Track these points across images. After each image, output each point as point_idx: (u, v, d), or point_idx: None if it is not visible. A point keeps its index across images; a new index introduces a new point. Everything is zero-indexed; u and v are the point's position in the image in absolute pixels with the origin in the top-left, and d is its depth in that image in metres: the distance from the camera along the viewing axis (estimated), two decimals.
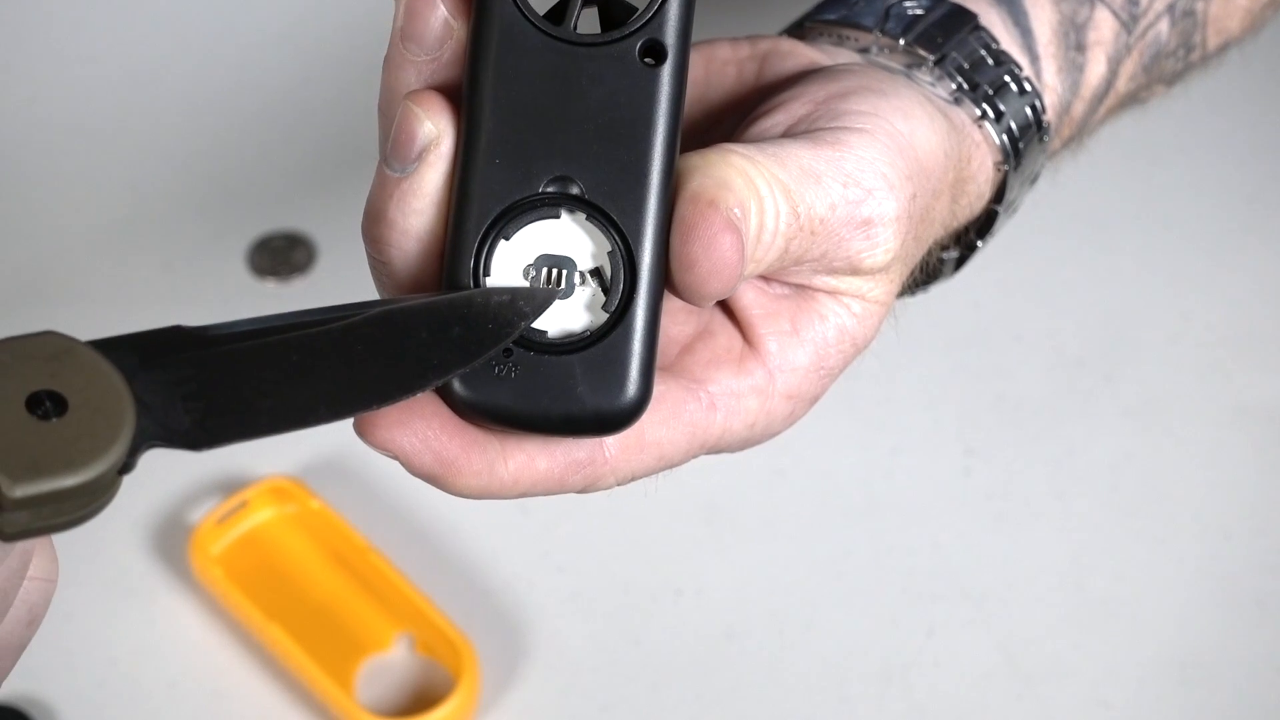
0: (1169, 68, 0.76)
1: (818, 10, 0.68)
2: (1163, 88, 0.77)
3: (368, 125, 1.17)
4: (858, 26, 0.67)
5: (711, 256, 0.55)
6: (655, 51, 0.56)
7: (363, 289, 1.06)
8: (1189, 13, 0.75)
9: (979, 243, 0.69)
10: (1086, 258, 1.06)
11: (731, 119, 0.64)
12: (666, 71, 0.55)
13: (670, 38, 0.55)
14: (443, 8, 0.56)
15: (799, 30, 0.68)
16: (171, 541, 0.94)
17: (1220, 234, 1.07)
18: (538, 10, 0.56)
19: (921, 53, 0.66)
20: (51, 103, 1.12)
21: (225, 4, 1.17)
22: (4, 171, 1.10)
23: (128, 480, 0.98)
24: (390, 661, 0.91)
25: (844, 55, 0.66)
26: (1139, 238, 1.07)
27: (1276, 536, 0.95)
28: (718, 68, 0.65)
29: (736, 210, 0.55)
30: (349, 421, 1.02)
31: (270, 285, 1.05)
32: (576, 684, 0.90)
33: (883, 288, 0.61)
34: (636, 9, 0.56)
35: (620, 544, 0.94)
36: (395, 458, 0.55)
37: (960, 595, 0.93)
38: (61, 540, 0.96)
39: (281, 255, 1.06)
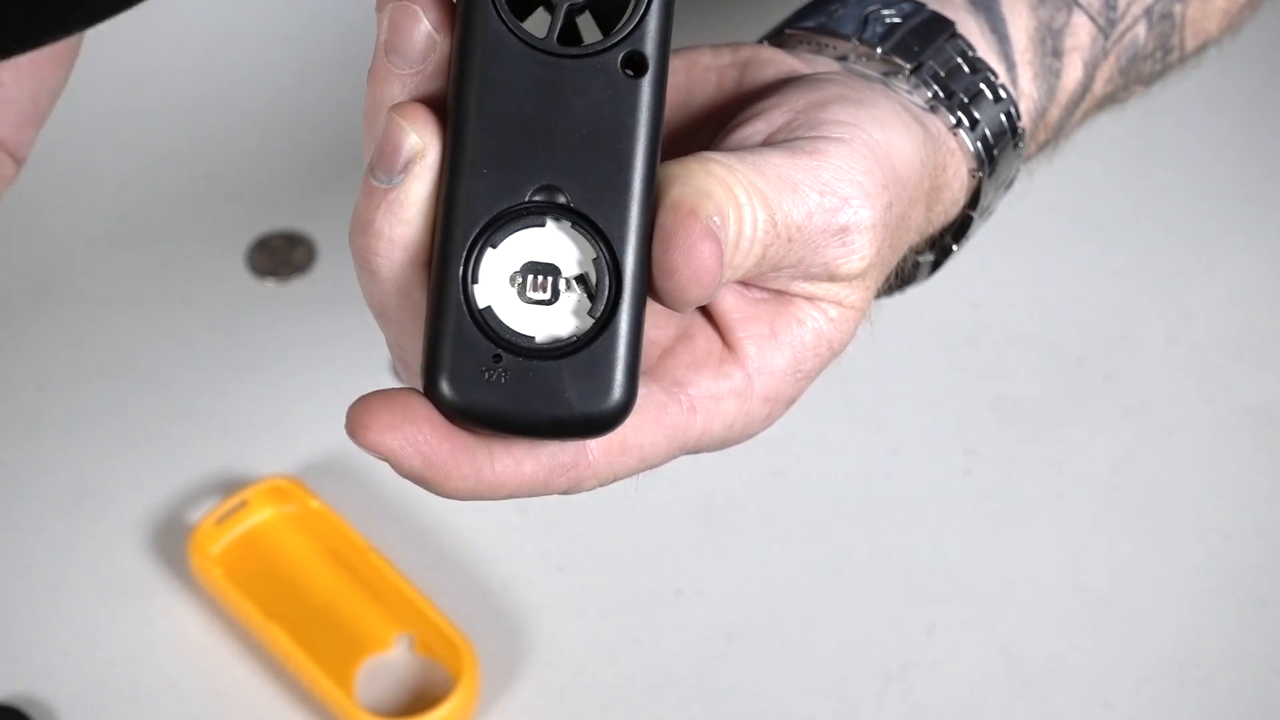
0: (1146, 69, 0.76)
1: (797, 17, 0.69)
2: (1141, 88, 0.77)
3: None
4: (836, 34, 0.68)
5: (691, 264, 0.56)
6: (636, 63, 0.57)
7: None
8: (1166, 15, 0.75)
9: (954, 247, 0.70)
10: (1086, 258, 1.06)
11: (712, 126, 0.65)
12: (647, 82, 0.57)
13: (650, 49, 0.57)
14: (426, 21, 0.57)
15: (779, 37, 0.69)
16: (171, 541, 0.94)
17: (1220, 234, 1.07)
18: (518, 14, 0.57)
19: (898, 61, 0.67)
20: None
21: (225, 4, 1.17)
22: None
23: (127, 480, 0.98)
24: (390, 661, 0.91)
25: (823, 63, 0.67)
26: (1138, 238, 1.07)
27: (1276, 536, 0.95)
28: (699, 74, 0.65)
29: (715, 218, 0.56)
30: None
31: (270, 285, 1.05)
32: (576, 684, 0.90)
33: (859, 293, 0.62)
34: (627, 6, 0.57)
35: (620, 544, 0.94)
36: (385, 459, 0.57)
37: (960, 595, 0.93)
38: (61, 540, 0.96)
39: (281, 255, 1.06)
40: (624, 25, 0.57)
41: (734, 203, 0.57)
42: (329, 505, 0.95)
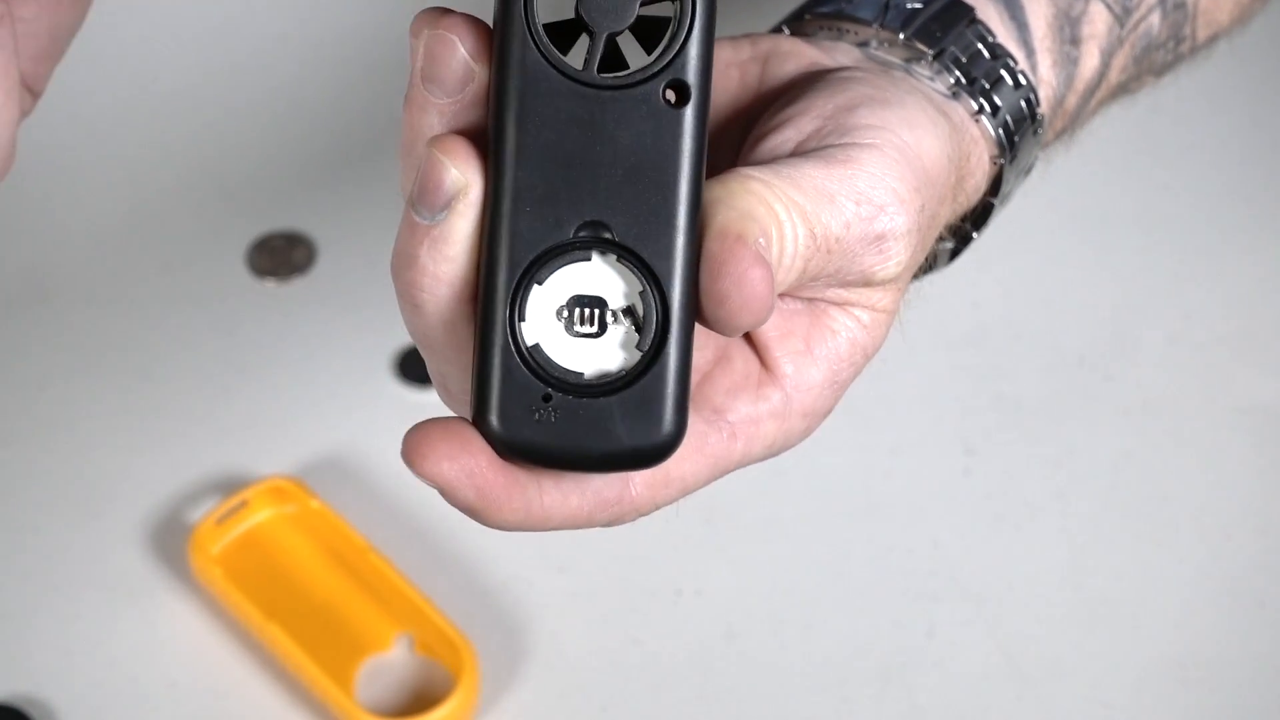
0: (1159, 59, 0.76)
1: (817, 2, 0.68)
2: (1152, 79, 0.77)
3: (368, 125, 1.18)
4: (857, 20, 0.67)
5: (743, 291, 0.56)
6: (680, 92, 0.56)
7: (362, 288, 1.06)
8: (1180, 5, 0.75)
9: (975, 234, 0.69)
10: (1086, 257, 1.06)
11: (738, 125, 0.65)
12: (690, 111, 0.56)
13: (693, 77, 0.56)
14: (463, 50, 0.56)
15: (798, 22, 0.69)
16: (171, 541, 0.94)
17: (1220, 234, 1.07)
18: (555, 20, 0.57)
19: (920, 47, 0.66)
20: (51, 102, 1.12)
21: (225, 4, 1.17)
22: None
23: (127, 480, 0.98)
24: (390, 661, 0.91)
25: (843, 50, 0.67)
26: (1139, 237, 1.07)
27: (1276, 536, 0.95)
28: (721, 72, 0.65)
29: (761, 240, 0.56)
30: (348, 421, 1.03)
31: (270, 285, 1.05)
32: (576, 684, 0.90)
33: (891, 296, 0.62)
34: (666, 30, 0.56)
35: (620, 544, 0.94)
36: (440, 488, 0.56)
37: (960, 595, 0.93)
38: (61, 541, 0.96)
39: (281, 255, 1.06)
40: (665, 52, 0.56)
41: (775, 221, 0.57)
42: (329, 505, 0.95)
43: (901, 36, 0.67)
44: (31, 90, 0.67)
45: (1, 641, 0.92)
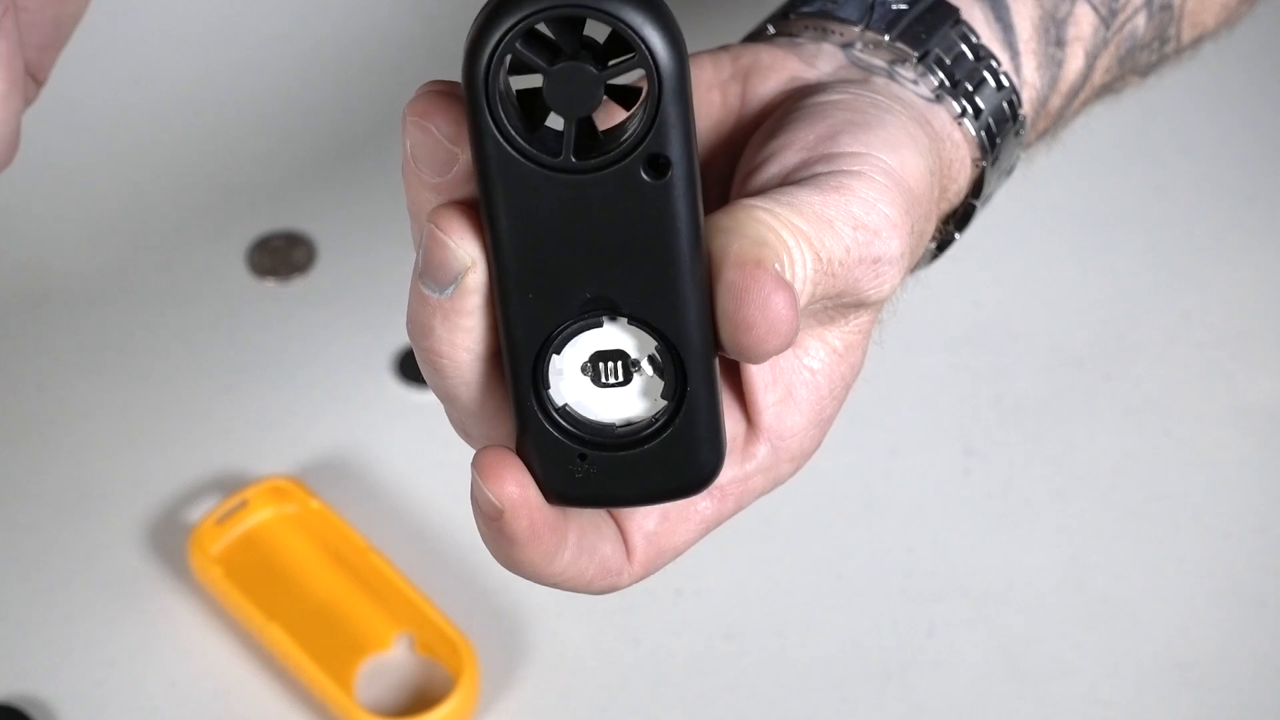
0: (1144, 60, 0.76)
1: (801, 1, 0.69)
2: (1137, 78, 0.78)
3: (368, 125, 1.18)
4: (841, 20, 0.67)
5: (769, 316, 0.56)
6: (659, 166, 0.54)
7: (362, 288, 1.06)
8: (1166, 6, 0.75)
9: (957, 235, 0.70)
10: (1086, 257, 1.06)
11: (721, 151, 0.65)
12: (673, 181, 0.55)
13: (672, 149, 0.54)
14: (440, 137, 0.56)
15: (783, 21, 0.69)
16: (171, 541, 0.94)
17: (1220, 234, 1.07)
18: (525, 90, 0.55)
19: (905, 49, 0.67)
20: (51, 102, 1.12)
21: (225, 4, 1.17)
22: (4, 171, 1.09)
23: (127, 480, 0.98)
24: (390, 661, 0.91)
25: (827, 53, 0.67)
26: (1139, 237, 1.07)
27: (1276, 536, 0.95)
28: (702, 94, 0.65)
29: (777, 264, 0.56)
30: (348, 421, 1.02)
31: (270, 285, 1.05)
32: (576, 684, 0.90)
33: (869, 317, 0.63)
34: (639, 98, 0.55)
35: None
36: (500, 507, 0.57)
37: (960, 595, 0.93)
38: (61, 540, 0.96)
39: (281, 255, 1.06)
40: (639, 130, 0.54)
41: (785, 247, 0.57)
42: (329, 505, 0.95)
43: (886, 38, 0.67)
44: (35, 79, 0.68)
45: (1, 641, 0.92)
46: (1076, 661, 0.90)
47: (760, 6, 0.74)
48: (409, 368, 1.01)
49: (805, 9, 0.68)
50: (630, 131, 0.54)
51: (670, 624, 0.92)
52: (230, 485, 0.96)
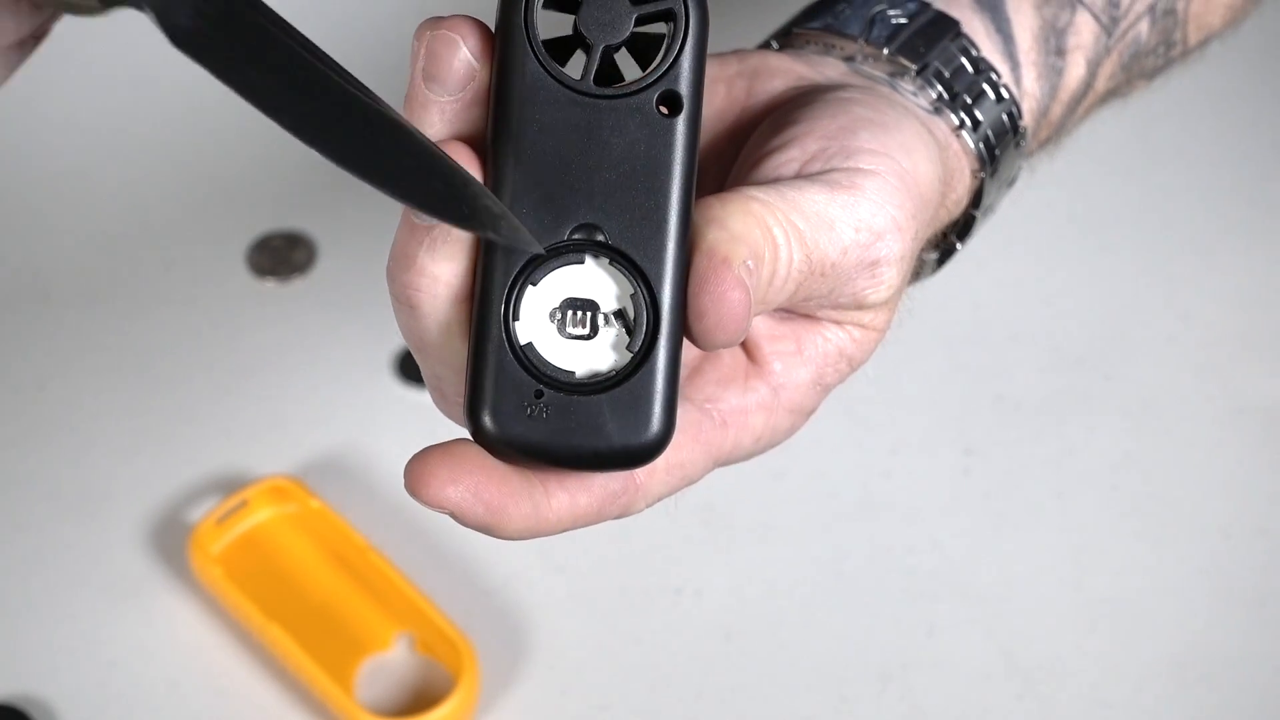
0: (1149, 65, 0.77)
1: (805, 17, 0.69)
2: (1143, 83, 0.78)
3: None
4: (843, 35, 0.68)
5: (720, 310, 0.57)
6: (672, 102, 0.58)
7: (362, 288, 1.06)
8: (1170, 11, 0.75)
9: (959, 245, 0.70)
10: (1085, 258, 1.06)
11: (724, 141, 0.66)
12: (682, 120, 0.58)
13: (685, 88, 0.58)
14: (465, 49, 0.57)
15: (787, 37, 0.69)
16: (171, 541, 0.94)
17: (1220, 234, 1.07)
18: (554, 36, 0.58)
19: (904, 62, 0.67)
20: (51, 103, 1.12)
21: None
22: (4, 171, 1.10)
23: (127, 480, 0.98)
24: (390, 661, 0.91)
25: (830, 64, 0.67)
26: (1138, 238, 1.07)
27: (1276, 536, 0.95)
28: (707, 87, 0.66)
29: (749, 263, 0.58)
30: (348, 421, 1.02)
31: (270, 285, 1.05)
32: (576, 684, 0.90)
33: (882, 316, 0.64)
34: (661, 47, 0.58)
35: (620, 544, 0.94)
36: (449, 513, 0.57)
37: (960, 595, 0.93)
38: (61, 540, 0.96)
39: (281, 255, 1.06)
40: (659, 65, 0.58)
41: (770, 243, 0.59)
42: (329, 505, 0.95)
43: (886, 52, 0.67)
44: None
45: (1, 641, 0.92)
46: (1076, 661, 0.90)
47: (762, 23, 0.74)
48: (409, 368, 1.01)
49: (808, 25, 0.69)
50: (648, 71, 0.58)
51: (670, 624, 0.92)
52: (230, 485, 0.96)
